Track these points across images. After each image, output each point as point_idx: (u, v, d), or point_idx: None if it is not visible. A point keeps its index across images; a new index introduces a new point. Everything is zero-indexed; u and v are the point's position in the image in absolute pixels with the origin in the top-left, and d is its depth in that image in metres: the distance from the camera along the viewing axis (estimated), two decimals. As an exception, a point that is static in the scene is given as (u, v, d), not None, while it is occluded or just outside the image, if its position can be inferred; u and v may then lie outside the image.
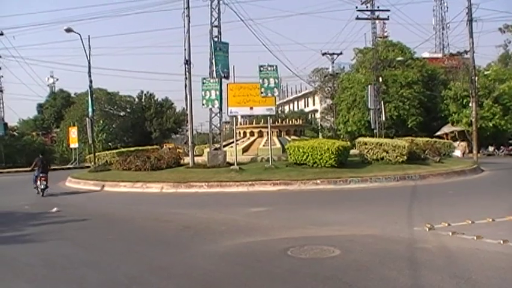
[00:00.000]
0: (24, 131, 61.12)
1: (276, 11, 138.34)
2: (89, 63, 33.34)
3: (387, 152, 23.78)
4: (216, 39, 26.38)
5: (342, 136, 51.93)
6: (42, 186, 20.47)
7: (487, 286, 6.22)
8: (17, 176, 36.56)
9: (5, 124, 51.79)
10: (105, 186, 22.74)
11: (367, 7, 40.97)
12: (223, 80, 25.80)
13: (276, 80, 24.55)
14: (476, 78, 34.42)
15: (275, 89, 24.54)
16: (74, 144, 49.00)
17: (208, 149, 27.62)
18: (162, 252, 8.88)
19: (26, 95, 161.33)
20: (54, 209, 15.30)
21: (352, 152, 25.35)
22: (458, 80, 48.42)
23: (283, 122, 35.83)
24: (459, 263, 7.27)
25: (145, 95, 69.57)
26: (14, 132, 56.13)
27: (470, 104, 33.99)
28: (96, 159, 32.81)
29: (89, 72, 33.67)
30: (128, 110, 68.36)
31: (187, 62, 26.25)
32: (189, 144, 26.75)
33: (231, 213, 13.42)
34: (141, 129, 66.11)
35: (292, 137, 31.39)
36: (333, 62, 58.46)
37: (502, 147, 46.49)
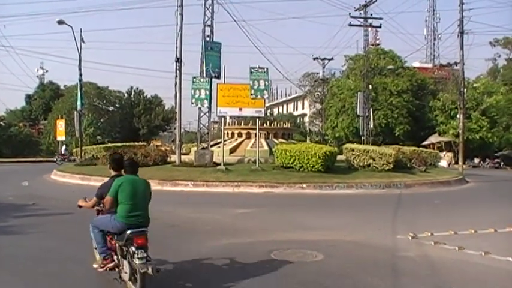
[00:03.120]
0: (11, 122, 60.58)
1: (270, 14, 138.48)
2: (80, 56, 33.23)
3: (374, 159, 23.88)
4: (208, 38, 26.38)
5: (329, 141, 52.02)
6: None
7: (467, 297, 6.30)
8: (2, 167, 36.22)
9: (-8, 114, 51.43)
10: (91, 181, 22.62)
11: (360, 14, 41.12)
12: (213, 79, 25.78)
13: (266, 82, 24.62)
14: (465, 90, 34.69)
15: (265, 91, 24.59)
16: (60, 137, 48.73)
17: (195, 148, 27.62)
18: (145, 249, 8.86)
19: (14, 85, 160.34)
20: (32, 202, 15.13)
21: (339, 157, 25.42)
22: (447, 91, 48.76)
23: (272, 125, 35.96)
24: (441, 273, 7.33)
25: (134, 91, 69.28)
26: (1, 122, 55.67)
27: (458, 116, 34.25)
28: (83, 153, 32.64)
29: (79, 65, 33.53)
30: (117, 105, 68.03)
31: (179, 60, 26.23)
32: (177, 142, 26.73)
33: (216, 214, 13.41)
34: (129, 125, 65.81)
35: (280, 140, 31.42)
36: (323, 67, 58.68)
37: (487, 159, 46.92)
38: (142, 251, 6.04)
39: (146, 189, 6.58)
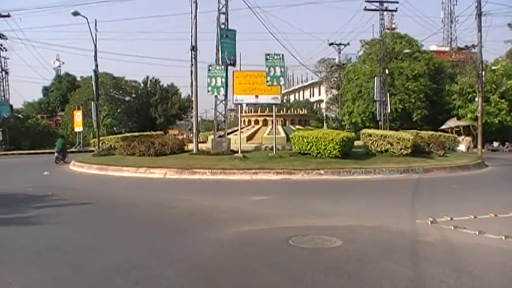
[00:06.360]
0: (29, 114, 61.19)
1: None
2: (95, 47, 33.43)
3: (391, 144, 23.74)
4: (223, 26, 26.30)
5: (346, 127, 51.78)
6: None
7: (488, 281, 6.23)
8: (21, 159, 36.66)
9: (11, 106, 51.90)
10: (108, 171, 22.79)
11: (375, -2, 40.77)
12: (229, 67, 25.75)
13: (282, 69, 24.53)
14: (484, 73, 34.24)
15: (281, 78, 24.51)
16: (78, 128, 49.13)
17: (212, 136, 27.66)
18: (164, 238, 8.91)
19: (31, 77, 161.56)
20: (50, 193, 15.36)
21: (356, 143, 25.34)
22: (465, 75, 48.18)
23: (288, 111, 35.79)
24: (460, 257, 7.26)
25: (150, 80, 69.54)
26: (19, 115, 56.24)
27: (476, 99, 33.84)
28: (100, 144, 32.89)
29: (95, 56, 33.76)
30: (133, 95, 68.41)
31: (194, 48, 26.21)
32: (194, 131, 26.78)
33: (234, 201, 13.43)
34: (146, 115, 66.17)
35: (297, 126, 31.35)
36: (339, 53, 58.38)
37: (506, 143, 46.30)
38: (60, 155, 30.35)
39: (63, 141, 32.77)
